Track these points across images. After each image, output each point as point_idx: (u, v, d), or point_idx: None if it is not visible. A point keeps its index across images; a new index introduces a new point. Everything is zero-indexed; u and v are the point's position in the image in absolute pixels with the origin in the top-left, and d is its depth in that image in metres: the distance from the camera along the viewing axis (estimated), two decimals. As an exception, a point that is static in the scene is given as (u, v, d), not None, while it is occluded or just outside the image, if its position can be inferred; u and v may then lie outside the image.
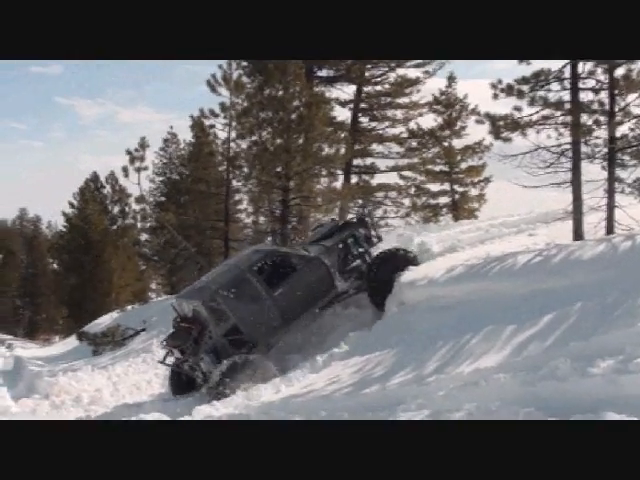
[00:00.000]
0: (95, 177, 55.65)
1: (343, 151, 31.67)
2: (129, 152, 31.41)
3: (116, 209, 54.53)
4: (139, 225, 47.70)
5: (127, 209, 53.44)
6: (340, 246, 16.49)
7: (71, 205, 53.80)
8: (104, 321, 30.87)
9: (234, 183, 33.67)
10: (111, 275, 47.66)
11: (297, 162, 29.68)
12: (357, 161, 37.58)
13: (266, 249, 16.73)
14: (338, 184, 35.25)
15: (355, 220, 17.59)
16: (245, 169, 32.23)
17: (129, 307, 32.72)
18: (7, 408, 16.25)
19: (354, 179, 37.36)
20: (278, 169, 30.29)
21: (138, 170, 31.03)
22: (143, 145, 31.85)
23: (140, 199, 34.19)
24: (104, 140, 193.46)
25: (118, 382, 16.82)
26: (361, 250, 16.63)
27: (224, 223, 33.58)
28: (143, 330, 22.75)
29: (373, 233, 17.13)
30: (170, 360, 15.80)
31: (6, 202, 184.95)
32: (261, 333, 15.19)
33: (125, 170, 31.23)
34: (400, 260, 15.97)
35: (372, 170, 38.30)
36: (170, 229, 32.39)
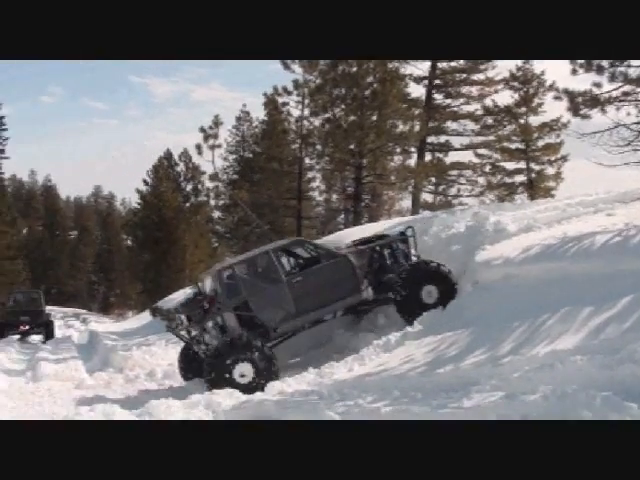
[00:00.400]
0: (169, 155, 56.22)
1: (417, 128, 31.43)
2: (203, 130, 31.58)
3: (189, 187, 55.03)
4: (212, 203, 48.09)
5: (200, 187, 53.86)
6: (374, 253, 15.94)
7: (145, 182, 54.46)
8: (177, 297, 31.12)
9: (307, 161, 33.68)
10: (184, 252, 48.11)
11: (370, 139, 29.53)
12: (431, 139, 37.21)
13: (296, 239, 16.59)
14: (412, 162, 34.99)
15: (397, 233, 16.92)
16: (318, 147, 32.19)
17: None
18: (82, 381, 16.49)
19: (428, 157, 37.01)
20: (351, 146, 30.19)
21: (212, 148, 31.22)
22: (217, 123, 31.98)
23: (214, 177, 34.42)
24: (177, 118, 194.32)
25: (190, 356, 16.90)
26: (396, 263, 15.89)
27: (297, 201, 33.62)
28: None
29: (414, 252, 16.28)
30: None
31: (81, 180, 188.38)
32: (271, 316, 14.88)
33: (199, 148, 31.43)
34: (430, 274, 15.20)
35: (446, 148, 37.92)
36: (243, 207, 32.53)
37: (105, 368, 18.56)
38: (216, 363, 13.81)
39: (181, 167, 55.59)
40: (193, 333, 15.27)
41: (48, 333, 32.87)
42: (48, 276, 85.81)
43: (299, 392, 11.37)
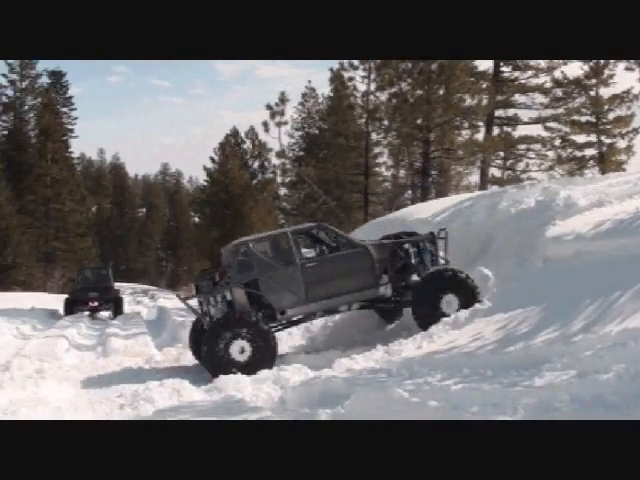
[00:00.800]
0: (235, 132, 56.58)
1: (485, 102, 31.08)
2: (269, 107, 31.69)
3: (256, 164, 55.30)
4: (279, 180, 48.24)
5: (267, 164, 54.13)
6: (397, 250, 15.38)
7: (212, 160, 54.88)
8: (245, 273, 31.33)
9: (374, 136, 33.57)
10: (251, 229, 48.26)
11: (438, 113, 29.31)
12: (499, 112, 36.75)
13: (318, 224, 16.35)
14: (480, 136, 34.60)
15: (427, 233, 16.09)
16: (385, 121, 32.08)
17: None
18: (152, 356, 16.70)
19: (496, 131, 36.55)
20: (418, 121, 30.00)
21: (278, 125, 31.34)
22: (283, 100, 32.05)
23: (280, 154, 34.55)
24: (243, 96, 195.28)
25: (260, 334, 16.97)
26: (422, 263, 15.33)
27: (364, 177, 33.56)
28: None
29: (442, 254, 15.60)
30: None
31: (149, 158, 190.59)
32: (279, 298, 14.59)
33: (265, 125, 31.57)
34: (450, 282, 14.54)
35: (514, 121, 37.43)
36: (310, 183, 32.59)
37: (174, 344, 18.74)
38: (211, 337, 13.80)
39: (247, 144, 55.93)
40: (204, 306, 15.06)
41: (117, 309, 33.27)
42: (117, 253, 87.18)
43: (367, 370, 11.34)
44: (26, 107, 68.54)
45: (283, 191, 49.47)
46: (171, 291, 40.12)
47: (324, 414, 8.14)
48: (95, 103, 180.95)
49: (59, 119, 64.52)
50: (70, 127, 72.18)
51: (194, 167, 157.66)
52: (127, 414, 10.66)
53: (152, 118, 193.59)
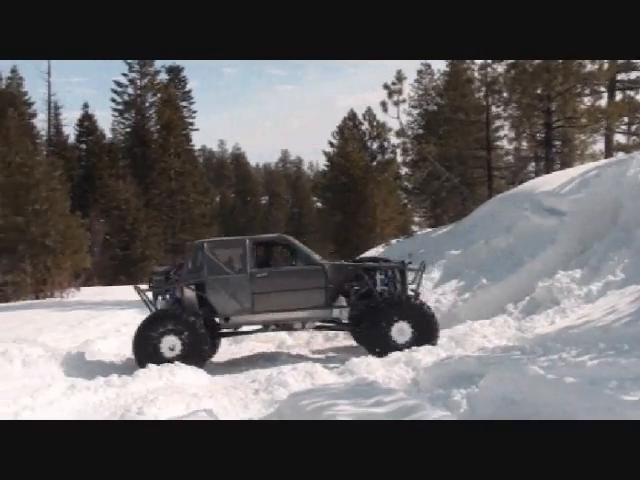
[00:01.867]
0: (353, 115, 56.64)
1: (606, 66, 30.06)
2: (386, 86, 31.55)
3: (375, 145, 55.19)
4: (399, 159, 48.01)
5: (386, 144, 53.95)
6: (358, 273, 14.69)
7: (331, 144, 55.07)
8: (370, 255, 31.33)
9: (493, 109, 33.00)
10: (374, 210, 48.32)
11: (558, 81, 28.54)
12: (621, 76, 35.53)
13: (280, 235, 15.89)
14: (602, 102, 33.60)
15: (400, 262, 15.31)
16: (504, 93, 31.51)
17: (393, 241, 32.92)
18: (283, 341, 16.78)
19: (619, 96, 35.39)
20: (538, 91, 29.34)
21: (396, 104, 31.16)
22: (400, 78, 31.85)
23: (400, 132, 34.36)
24: (358, 78, 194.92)
25: (388, 315, 16.93)
26: (384, 290, 14.53)
27: (486, 151, 33.07)
28: (410, 263, 22.79)
29: (413, 287, 14.77)
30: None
31: (269, 146, 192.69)
32: (223, 304, 14.37)
33: (384, 105, 31.44)
34: (404, 310, 13.81)
35: (638, 85, 36.17)
36: (432, 160, 32.29)
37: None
38: (143, 331, 13.83)
39: (366, 126, 55.87)
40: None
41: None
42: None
43: (500, 348, 11.21)
44: (147, 104, 70.43)
45: (404, 170, 49.17)
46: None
47: (458, 394, 8.08)
48: (212, 95, 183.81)
49: (179, 113, 65.78)
50: (190, 121, 73.62)
51: (313, 152, 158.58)
52: (262, 399, 10.84)
53: (269, 107, 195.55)
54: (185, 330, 13.71)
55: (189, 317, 13.89)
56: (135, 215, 56.94)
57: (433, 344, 13.40)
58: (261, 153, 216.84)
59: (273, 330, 15.21)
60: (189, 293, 14.42)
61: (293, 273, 14.52)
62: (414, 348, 12.86)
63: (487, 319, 14.87)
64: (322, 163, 60.54)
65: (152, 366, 12.81)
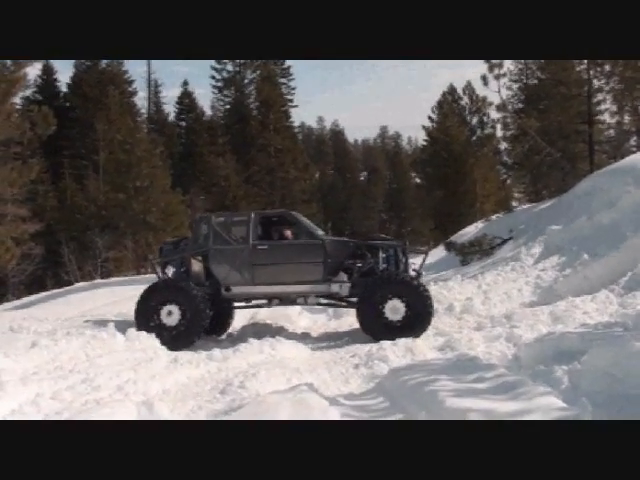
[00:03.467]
0: (452, 89, 56.22)
1: None
2: (487, 60, 31.13)
3: (474, 120, 54.71)
4: (499, 134, 47.43)
5: (485, 119, 53.42)
6: (359, 250, 14.82)
7: (430, 119, 54.82)
8: (470, 231, 31.13)
9: (595, 82, 32.24)
10: (474, 186, 47.99)
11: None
12: None
13: (284, 211, 16.42)
14: None
15: (399, 241, 15.55)
16: (607, 66, 30.75)
17: (494, 216, 32.67)
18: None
19: None
20: (641, 63, 28.56)
21: (497, 77, 30.66)
22: (502, 51, 31.39)
23: (501, 107, 33.86)
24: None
25: (488, 291, 16.82)
26: (385, 269, 14.54)
27: (587, 125, 32.39)
28: (510, 239, 22.62)
29: (416, 267, 14.75)
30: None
31: (368, 122, 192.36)
32: (225, 274, 14.66)
33: (484, 79, 30.99)
34: (398, 287, 13.76)
35: None
36: (532, 135, 31.78)
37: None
38: (144, 300, 14.21)
39: (465, 100, 55.41)
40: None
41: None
42: (342, 218, 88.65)
43: (602, 324, 11.05)
44: (246, 81, 71.06)
45: (504, 145, 48.52)
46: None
47: (560, 370, 8.02)
48: (311, 71, 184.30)
49: (278, 90, 66.16)
50: (289, 97, 73.97)
51: (412, 128, 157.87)
52: (362, 374, 10.95)
53: (367, 83, 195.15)
54: (184, 300, 14.11)
55: (188, 287, 14.28)
56: (235, 192, 57.61)
57: (426, 326, 13.65)
58: (360, 129, 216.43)
59: (277, 304, 15.48)
60: (196, 264, 14.86)
61: (292, 247, 14.88)
62: (515, 323, 12.81)
63: (588, 295, 14.66)
64: (421, 138, 60.35)
65: (253, 340, 13.10)
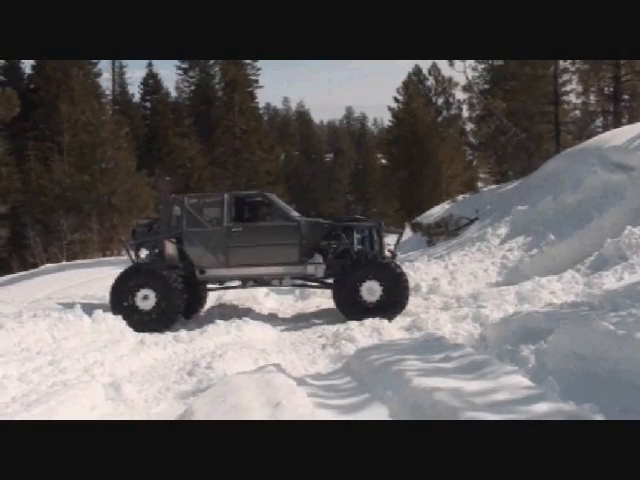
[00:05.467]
0: (417, 70, 56.14)
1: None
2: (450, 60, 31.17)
3: (440, 100, 54.77)
4: (465, 115, 47.57)
5: (451, 100, 53.52)
6: (334, 231, 14.75)
7: (396, 100, 54.75)
8: (436, 212, 31.15)
9: (561, 63, 32.34)
10: (439, 167, 48.04)
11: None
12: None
13: (259, 192, 16.48)
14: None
15: (374, 222, 15.43)
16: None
17: (460, 197, 32.76)
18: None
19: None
20: (608, 45, 28.70)
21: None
22: (466, 33, 31.42)
23: (467, 87, 33.95)
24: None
25: (455, 271, 16.87)
26: (361, 250, 14.53)
27: (553, 106, 32.51)
28: (476, 219, 22.70)
29: (391, 248, 14.90)
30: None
31: (333, 103, 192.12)
32: (199, 256, 14.69)
33: (450, 60, 31.02)
34: (373, 268, 13.80)
35: None
36: (499, 115, 31.87)
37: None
38: (119, 284, 14.17)
39: (431, 81, 55.41)
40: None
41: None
42: (306, 199, 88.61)
43: (568, 304, 11.11)
44: (211, 62, 70.52)
45: (470, 126, 48.62)
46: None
47: (526, 350, 8.08)
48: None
49: (243, 71, 65.77)
50: (254, 78, 73.58)
51: (377, 109, 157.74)
52: (329, 354, 10.98)
53: (331, 64, 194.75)
54: (158, 284, 14.03)
55: (162, 271, 14.22)
56: (200, 173, 57.39)
57: (402, 306, 13.74)
58: (325, 110, 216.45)
59: (251, 286, 15.58)
60: (170, 246, 14.76)
61: (267, 229, 14.81)
62: (480, 303, 12.89)
63: (555, 275, 14.77)
64: (387, 119, 60.31)
65: (220, 321, 13.06)
